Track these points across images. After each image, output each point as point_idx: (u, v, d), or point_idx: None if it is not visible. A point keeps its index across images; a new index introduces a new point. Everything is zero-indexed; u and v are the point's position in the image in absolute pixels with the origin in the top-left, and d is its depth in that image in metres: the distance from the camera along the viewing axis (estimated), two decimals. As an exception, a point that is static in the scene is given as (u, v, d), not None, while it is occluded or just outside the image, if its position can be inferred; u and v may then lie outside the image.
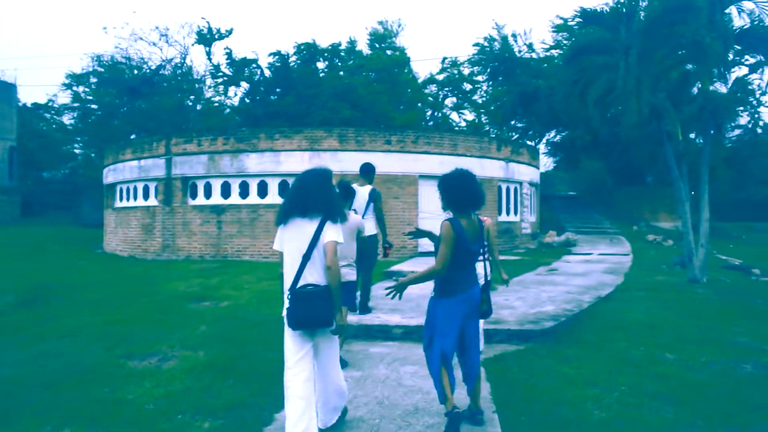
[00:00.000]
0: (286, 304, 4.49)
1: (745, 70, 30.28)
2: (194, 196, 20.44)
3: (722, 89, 14.56)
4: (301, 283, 4.46)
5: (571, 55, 14.34)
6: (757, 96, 34.69)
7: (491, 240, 7.36)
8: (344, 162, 18.95)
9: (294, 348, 4.53)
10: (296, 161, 19.20)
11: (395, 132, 20.26)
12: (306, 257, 4.47)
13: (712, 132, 13.78)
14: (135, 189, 22.21)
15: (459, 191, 5.00)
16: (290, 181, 19.29)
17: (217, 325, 8.87)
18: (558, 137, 41.04)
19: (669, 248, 23.79)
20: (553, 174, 54.21)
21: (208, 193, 20.21)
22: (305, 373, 4.51)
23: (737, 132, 37.79)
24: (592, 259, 18.56)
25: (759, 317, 10.25)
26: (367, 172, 9.47)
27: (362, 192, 9.05)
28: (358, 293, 8.66)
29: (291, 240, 4.56)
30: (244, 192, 19.87)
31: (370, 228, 8.99)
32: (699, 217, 13.71)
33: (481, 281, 5.47)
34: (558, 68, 36.70)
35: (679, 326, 9.18)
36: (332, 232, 4.51)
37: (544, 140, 40.72)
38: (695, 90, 15.43)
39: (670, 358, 7.46)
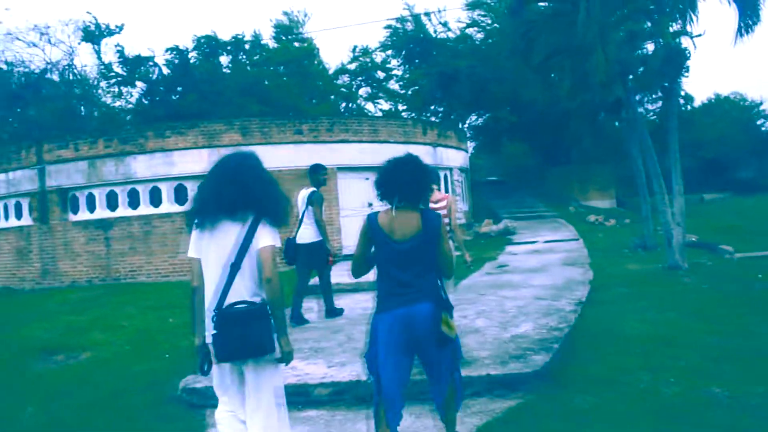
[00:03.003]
0: (210, 328, 3.55)
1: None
2: (75, 210, 17.23)
3: None
4: (229, 300, 3.52)
5: (517, 4, 11.98)
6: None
7: (452, 218, 6.66)
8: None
9: (221, 385, 3.71)
10: (192, 161, 16.29)
11: (306, 120, 17.61)
12: (235, 267, 3.53)
13: (677, 90, 11.72)
14: (5, 207, 18.69)
15: (384, 177, 3.99)
16: (187, 185, 16.37)
17: (55, 401, 5.99)
18: (480, 120, 39.19)
19: (615, 228, 22.00)
20: (473, 159, 52.70)
21: (91, 206, 17.05)
22: (240, 413, 3.67)
23: (659, 105, 36.59)
24: (541, 248, 16.39)
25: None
26: (312, 172, 8.87)
27: (303, 195, 8.65)
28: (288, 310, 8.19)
29: (212, 246, 3.59)
30: (134, 202, 16.82)
31: (308, 235, 8.51)
32: (671, 192, 11.62)
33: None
34: (476, 49, 34.91)
35: (695, 335, 6.96)
36: (268, 236, 3.58)
37: (465, 124, 38.74)
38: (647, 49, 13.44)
39: (719, 394, 5.15)
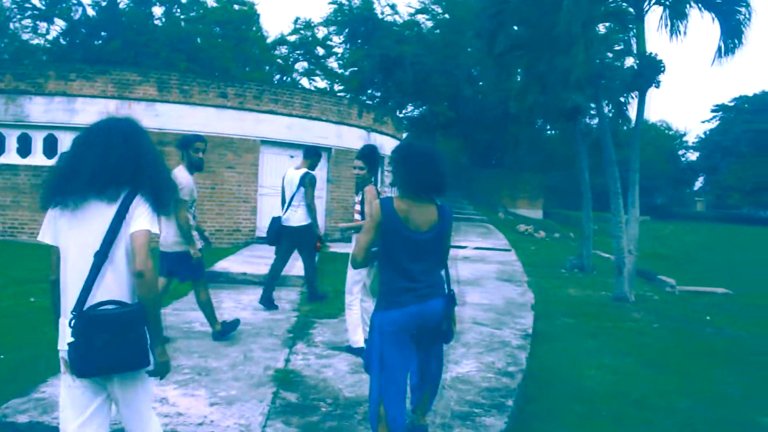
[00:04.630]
0: (66, 335, 2.74)
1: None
2: (-46, 150, 15.01)
3: None
4: (93, 299, 2.73)
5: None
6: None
7: None
8: (164, 117, 14.39)
9: (75, 407, 2.82)
10: (98, 110, 14.29)
11: (233, 83, 15.83)
12: (101, 257, 2.75)
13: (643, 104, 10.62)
14: None
15: (413, 166, 3.69)
16: (90, 137, 14.38)
17: None
18: (416, 111, 38.01)
19: (546, 242, 21.13)
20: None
21: (-28, 148, 14.85)
22: None
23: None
24: (471, 255, 15.20)
25: (733, 362, 7.36)
26: (313, 154, 8.50)
27: (293, 176, 8.19)
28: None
29: (74, 231, 2.80)
30: (25, 149, 14.73)
31: (297, 218, 8.07)
32: (626, 214, 10.53)
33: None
34: (422, 37, 33.63)
35: (666, 395, 5.77)
36: (144, 217, 2.82)
37: (401, 114, 37.48)
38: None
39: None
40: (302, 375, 5.28)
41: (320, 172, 17.19)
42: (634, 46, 10.56)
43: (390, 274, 3.68)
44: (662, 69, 10.21)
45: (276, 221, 8.15)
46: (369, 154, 6.18)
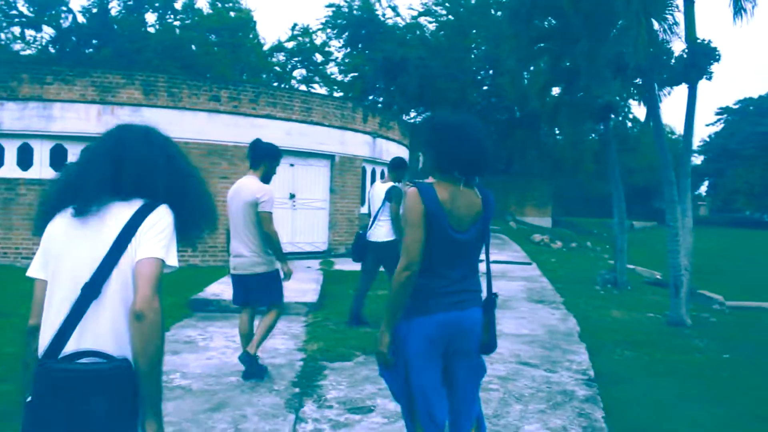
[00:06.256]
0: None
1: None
2: None
3: None
4: (70, 347, 1.99)
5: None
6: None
7: None
8: (151, 123, 12.98)
9: None
10: (78, 117, 12.98)
11: (226, 85, 14.46)
12: (90, 290, 2.01)
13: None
14: None
15: (450, 141, 2.99)
16: (68, 147, 13.02)
17: None
18: (419, 118, 36.82)
19: (564, 253, 19.73)
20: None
21: (-60, 160, 13.47)
22: None
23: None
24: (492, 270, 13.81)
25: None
26: (397, 166, 8.09)
27: (379, 190, 7.87)
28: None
29: (67, 257, 2.08)
30: (-4, 160, 13.37)
31: (383, 233, 7.74)
32: (678, 224, 9.11)
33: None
34: (426, 41, 32.40)
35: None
36: (157, 241, 2.08)
37: (404, 119, 36.25)
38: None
39: None
40: (314, 459, 3.88)
41: (323, 181, 15.87)
42: (681, 33, 9.20)
43: (422, 276, 2.92)
44: (717, 58, 8.87)
45: (360, 236, 8.04)
46: None
